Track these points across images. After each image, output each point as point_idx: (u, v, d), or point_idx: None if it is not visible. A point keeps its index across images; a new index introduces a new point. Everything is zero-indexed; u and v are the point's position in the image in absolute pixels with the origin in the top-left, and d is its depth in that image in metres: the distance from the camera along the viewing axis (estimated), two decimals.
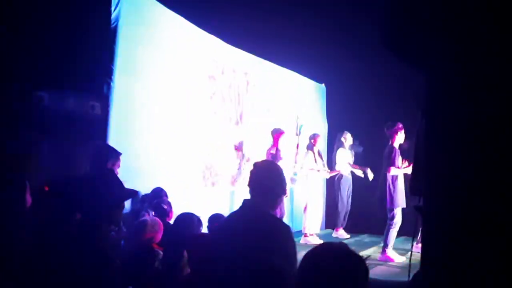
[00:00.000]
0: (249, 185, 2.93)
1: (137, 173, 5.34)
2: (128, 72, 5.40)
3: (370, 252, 7.58)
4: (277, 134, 7.60)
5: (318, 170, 8.20)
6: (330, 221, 9.22)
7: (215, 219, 4.32)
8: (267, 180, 2.87)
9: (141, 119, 5.59)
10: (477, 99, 2.29)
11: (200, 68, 6.73)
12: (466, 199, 2.42)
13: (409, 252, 5.96)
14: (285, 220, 7.93)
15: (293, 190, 8.80)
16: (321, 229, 8.52)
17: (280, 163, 6.37)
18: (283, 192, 2.95)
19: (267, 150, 7.49)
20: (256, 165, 3.06)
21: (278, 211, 7.43)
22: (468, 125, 2.34)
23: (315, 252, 1.84)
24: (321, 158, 8.36)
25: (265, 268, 2.44)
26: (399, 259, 6.87)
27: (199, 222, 3.87)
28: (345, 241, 8.02)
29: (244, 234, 2.65)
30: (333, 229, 8.86)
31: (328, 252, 1.84)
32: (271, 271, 2.43)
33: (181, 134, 6.23)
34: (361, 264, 1.82)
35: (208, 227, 4.34)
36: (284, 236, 2.70)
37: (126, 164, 4.50)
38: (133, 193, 2.77)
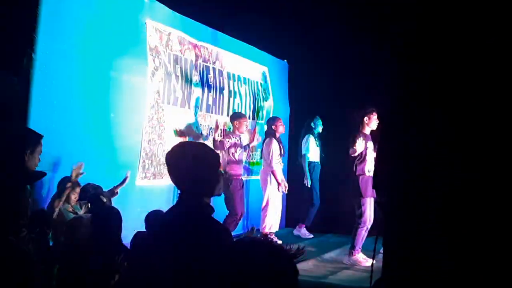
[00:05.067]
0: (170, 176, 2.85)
1: (62, 160, 5.33)
2: (54, 41, 5.34)
3: (335, 254, 7.72)
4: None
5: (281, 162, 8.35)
6: (291, 219, 9.33)
7: (153, 216, 4.36)
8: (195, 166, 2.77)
9: (69, 97, 5.56)
10: (440, 102, 2.56)
11: (141, 38, 6.69)
12: (432, 197, 2.59)
13: (380, 255, 6.14)
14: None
15: (249, 184, 8.88)
16: (280, 227, 8.60)
17: None
18: (214, 180, 2.83)
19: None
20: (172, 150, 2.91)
21: (239, 209, 7.54)
22: (432, 124, 2.58)
23: (234, 248, 1.79)
24: (282, 146, 8.46)
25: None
26: (368, 263, 7.01)
27: (118, 215, 3.94)
28: (307, 242, 8.17)
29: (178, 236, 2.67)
30: (295, 227, 8.99)
31: (249, 249, 1.76)
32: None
33: (117, 115, 6.22)
34: (287, 263, 1.74)
35: (146, 225, 4.38)
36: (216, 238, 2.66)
37: (49, 150, 4.48)
38: (40, 175, 2.74)
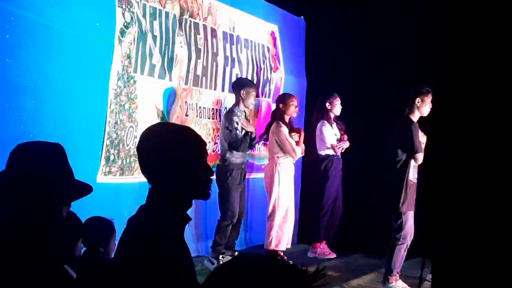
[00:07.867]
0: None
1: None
2: None
3: (366, 280, 7.79)
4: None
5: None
6: (306, 232, 9.41)
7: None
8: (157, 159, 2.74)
9: (12, 63, 5.64)
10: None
11: None
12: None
13: (425, 282, 6.13)
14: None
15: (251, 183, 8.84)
16: (292, 244, 8.67)
17: None
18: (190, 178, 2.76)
19: None
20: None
21: (236, 208, 7.48)
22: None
23: (226, 269, 1.66)
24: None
25: None
26: None
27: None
28: (328, 264, 8.13)
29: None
30: (310, 245, 9.04)
31: (246, 270, 1.64)
32: None
33: (72, 88, 6.22)
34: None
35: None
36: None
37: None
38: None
